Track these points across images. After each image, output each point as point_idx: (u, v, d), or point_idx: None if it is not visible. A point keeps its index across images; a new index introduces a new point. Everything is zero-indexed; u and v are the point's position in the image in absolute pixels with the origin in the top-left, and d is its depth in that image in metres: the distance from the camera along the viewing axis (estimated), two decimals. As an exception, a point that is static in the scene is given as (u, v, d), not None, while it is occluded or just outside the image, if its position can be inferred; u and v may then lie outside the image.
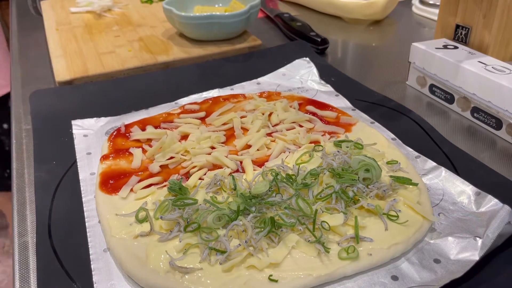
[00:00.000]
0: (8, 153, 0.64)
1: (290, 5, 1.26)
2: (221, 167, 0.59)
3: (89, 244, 0.50)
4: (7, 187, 0.65)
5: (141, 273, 0.45)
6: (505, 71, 0.67)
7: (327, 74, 0.84)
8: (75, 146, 0.65)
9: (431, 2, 1.16)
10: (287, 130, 0.66)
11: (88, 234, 0.51)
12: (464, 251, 0.46)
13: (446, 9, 0.83)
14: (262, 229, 0.47)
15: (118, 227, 0.50)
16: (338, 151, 0.59)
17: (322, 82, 0.81)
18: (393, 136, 0.66)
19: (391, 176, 0.55)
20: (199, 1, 1.06)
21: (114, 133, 0.66)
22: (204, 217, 0.49)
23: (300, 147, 0.62)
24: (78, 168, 0.61)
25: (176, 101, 0.76)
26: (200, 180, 0.57)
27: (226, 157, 0.60)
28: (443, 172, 0.57)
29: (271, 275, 0.44)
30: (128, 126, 0.68)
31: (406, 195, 0.53)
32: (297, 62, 0.86)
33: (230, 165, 0.59)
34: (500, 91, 0.65)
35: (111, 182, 0.57)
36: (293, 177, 0.54)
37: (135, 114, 0.72)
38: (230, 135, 0.66)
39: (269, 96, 0.76)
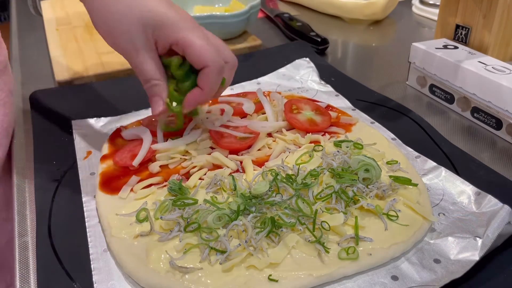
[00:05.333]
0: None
1: (290, 5, 1.26)
2: (221, 167, 0.59)
3: (89, 244, 0.50)
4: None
5: (141, 273, 0.45)
6: (505, 71, 0.67)
7: (327, 74, 0.84)
8: (75, 146, 0.65)
9: (431, 2, 1.16)
10: (287, 130, 0.66)
11: (88, 234, 0.51)
12: (464, 251, 0.46)
13: (446, 9, 0.83)
14: (262, 229, 0.47)
15: (118, 227, 0.50)
16: (338, 151, 0.59)
17: (322, 82, 0.81)
18: (393, 136, 0.66)
19: (390, 176, 0.55)
20: (199, 1, 1.06)
21: (114, 133, 0.66)
22: (204, 217, 0.49)
23: (300, 147, 0.62)
24: (78, 168, 0.61)
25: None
26: (200, 180, 0.57)
27: (226, 157, 0.60)
28: (443, 172, 0.57)
29: (271, 275, 0.44)
30: (127, 127, 0.68)
31: (406, 195, 0.53)
32: (297, 62, 0.86)
33: (230, 165, 0.59)
34: (500, 91, 0.65)
35: (111, 182, 0.57)
36: (293, 177, 0.54)
37: (135, 114, 0.72)
38: (230, 135, 0.66)
39: (269, 96, 0.76)
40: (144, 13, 0.55)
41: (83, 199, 0.56)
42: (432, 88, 0.78)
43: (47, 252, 0.49)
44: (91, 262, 0.47)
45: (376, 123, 0.69)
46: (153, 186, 0.56)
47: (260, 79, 0.83)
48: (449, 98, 0.75)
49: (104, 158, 0.62)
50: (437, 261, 0.46)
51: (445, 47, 0.77)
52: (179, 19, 0.56)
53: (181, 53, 0.58)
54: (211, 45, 0.57)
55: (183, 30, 0.56)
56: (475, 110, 0.70)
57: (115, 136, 0.66)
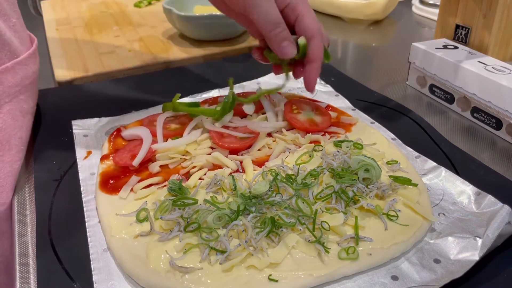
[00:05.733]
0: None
1: (290, 5, 1.26)
2: (221, 167, 0.59)
3: (89, 244, 0.50)
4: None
5: (141, 273, 0.45)
6: (505, 71, 0.67)
7: (327, 74, 0.84)
8: (75, 146, 0.65)
9: (431, 2, 1.16)
10: (287, 130, 0.66)
11: (88, 234, 0.51)
12: (464, 251, 0.46)
13: (446, 9, 0.83)
14: (262, 229, 0.47)
15: (118, 227, 0.50)
16: (338, 151, 0.59)
17: (322, 82, 0.81)
18: (393, 136, 0.66)
19: (390, 176, 0.55)
20: (199, 1, 1.06)
21: (114, 133, 0.66)
22: (204, 217, 0.49)
23: (300, 147, 0.62)
24: (78, 168, 0.61)
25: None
26: (200, 180, 0.57)
27: (226, 157, 0.60)
28: (443, 172, 0.57)
29: (271, 275, 0.44)
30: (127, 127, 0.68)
31: (406, 195, 0.53)
32: (297, 62, 0.86)
33: (230, 165, 0.59)
34: (500, 91, 0.65)
35: (111, 182, 0.57)
36: (293, 177, 0.54)
37: (135, 114, 0.72)
38: (230, 135, 0.66)
39: (269, 96, 0.76)
40: None
41: (83, 199, 0.56)
42: (432, 88, 0.78)
43: (47, 252, 0.49)
44: (91, 262, 0.47)
45: (376, 123, 0.69)
46: (153, 186, 0.56)
47: (260, 79, 0.83)
48: (449, 98, 0.75)
49: (104, 158, 0.62)
50: (437, 261, 0.46)
51: (445, 47, 0.77)
52: None
53: (292, 19, 0.60)
54: (316, 17, 0.61)
55: None
56: (475, 110, 0.70)
57: (115, 136, 0.66)
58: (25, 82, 0.63)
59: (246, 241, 0.46)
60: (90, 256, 0.48)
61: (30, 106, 0.65)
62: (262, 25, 0.59)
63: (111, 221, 0.51)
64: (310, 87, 0.61)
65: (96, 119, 0.71)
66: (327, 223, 0.48)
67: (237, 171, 0.59)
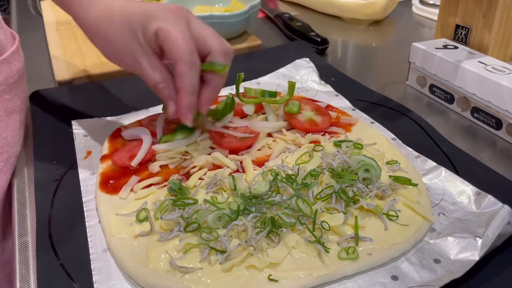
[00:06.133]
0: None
1: (290, 5, 1.26)
2: (221, 167, 0.59)
3: (89, 244, 0.50)
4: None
5: (141, 273, 0.45)
6: (505, 71, 0.67)
7: (327, 74, 0.84)
8: (75, 146, 0.65)
9: (431, 2, 1.16)
10: (287, 130, 0.66)
11: (88, 234, 0.51)
12: (464, 251, 0.46)
13: (446, 9, 0.83)
14: (262, 229, 0.47)
15: (118, 227, 0.50)
16: (338, 151, 0.59)
17: (322, 82, 0.81)
18: (393, 136, 0.66)
19: (390, 176, 0.55)
20: (199, 1, 1.06)
21: (114, 133, 0.66)
22: (204, 217, 0.49)
23: (300, 147, 0.62)
24: (78, 168, 0.61)
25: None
26: (200, 180, 0.57)
27: (226, 157, 0.60)
28: (443, 172, 0.57)
29: (270, 275, 0.44)
30: (127, 127, 0.68)
31: (406, 195, 0.53)
32: (297, 62, 0.86)
33: (230, 165, 0.59)
34: (500, 91, 0.65)
35: (111, 182, 0.57)
36: (293, 177, 0.54)
37: (135, 114, 0.72)
38: (230, 135, 0.66)
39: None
40: (124, 17, 0.56)
41: (83, 199, 0.56)
42: (432, 88, 0.78)
43: (47, 252, 0.49)
44: (91, 262, 0.47)
45: (376, 123, 0.69)
46: (153, 186, 0.56)
47: (260, 79, 0.83)
48: (449, 98, 0.75)
49: (104, 158, 0.62)
50: (437, 261, 0.46)
51: (445, 47, 0.77)
52: (159, 9, 0.56)
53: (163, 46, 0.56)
54: (188, 38, 0.55)
55: (164, 20, 0.55)
56: (475, 110, 0.70)
57: (115, 136, 0.66)
58: (9, 81, 0.63)
59: (246, 241, 0.46)
60: (90, 256, 0.48)
61: (17, 105, 0.65)
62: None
63: (111, 221, 0.51)
64: (180, 112, 0.58)
65: (96, 119, 0.71)
66: (327, 223, 0.48)
67: (237, 171, 0.59)
